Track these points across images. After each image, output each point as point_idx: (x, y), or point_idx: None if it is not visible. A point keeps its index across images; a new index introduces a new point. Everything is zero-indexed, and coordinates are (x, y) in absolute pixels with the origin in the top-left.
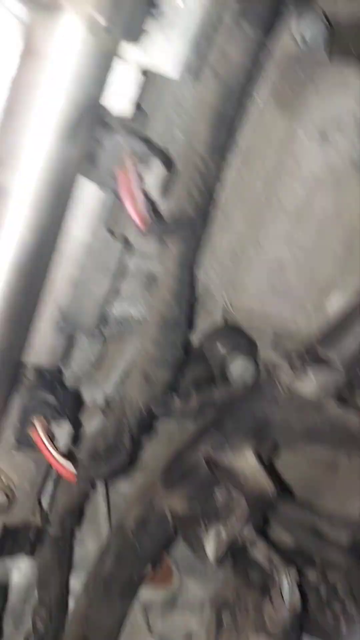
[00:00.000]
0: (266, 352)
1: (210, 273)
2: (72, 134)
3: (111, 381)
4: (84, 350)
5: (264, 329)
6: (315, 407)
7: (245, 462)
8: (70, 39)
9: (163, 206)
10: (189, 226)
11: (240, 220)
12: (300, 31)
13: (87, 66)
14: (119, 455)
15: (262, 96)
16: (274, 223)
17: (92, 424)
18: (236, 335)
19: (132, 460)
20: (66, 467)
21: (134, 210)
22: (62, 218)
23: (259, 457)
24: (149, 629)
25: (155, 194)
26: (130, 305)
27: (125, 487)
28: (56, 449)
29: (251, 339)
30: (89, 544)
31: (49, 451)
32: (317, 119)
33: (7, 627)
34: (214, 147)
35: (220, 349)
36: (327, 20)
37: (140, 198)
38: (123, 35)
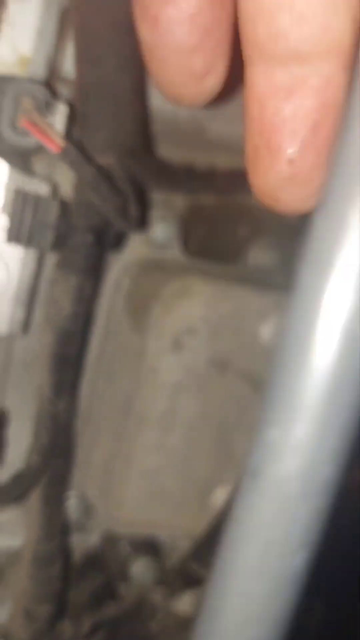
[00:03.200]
0: None
1: (87, 489)
2: None
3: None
4: None
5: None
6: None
7: None
8: None
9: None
10: (37, 475)
11: (107, 435)
12: (151, 234)
13: None
14: None
15: (113, 313)
16: (140, 434)
17: None
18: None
19: None
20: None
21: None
22: None
23: None
24: None
25: None
26: (8, 536)
27: None
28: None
29: (154, 539)
30: None
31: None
32: (168, 331)
33: None
34: (61, 388)
35: (122, 549)
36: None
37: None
38: None
